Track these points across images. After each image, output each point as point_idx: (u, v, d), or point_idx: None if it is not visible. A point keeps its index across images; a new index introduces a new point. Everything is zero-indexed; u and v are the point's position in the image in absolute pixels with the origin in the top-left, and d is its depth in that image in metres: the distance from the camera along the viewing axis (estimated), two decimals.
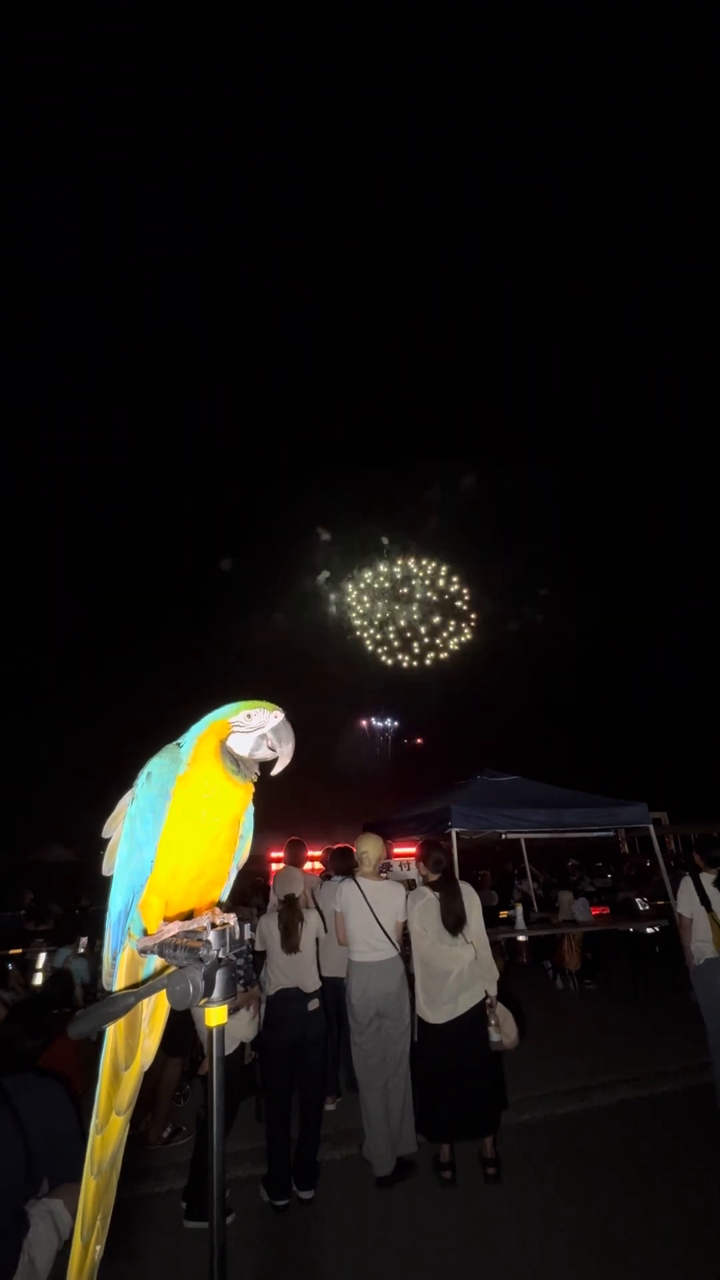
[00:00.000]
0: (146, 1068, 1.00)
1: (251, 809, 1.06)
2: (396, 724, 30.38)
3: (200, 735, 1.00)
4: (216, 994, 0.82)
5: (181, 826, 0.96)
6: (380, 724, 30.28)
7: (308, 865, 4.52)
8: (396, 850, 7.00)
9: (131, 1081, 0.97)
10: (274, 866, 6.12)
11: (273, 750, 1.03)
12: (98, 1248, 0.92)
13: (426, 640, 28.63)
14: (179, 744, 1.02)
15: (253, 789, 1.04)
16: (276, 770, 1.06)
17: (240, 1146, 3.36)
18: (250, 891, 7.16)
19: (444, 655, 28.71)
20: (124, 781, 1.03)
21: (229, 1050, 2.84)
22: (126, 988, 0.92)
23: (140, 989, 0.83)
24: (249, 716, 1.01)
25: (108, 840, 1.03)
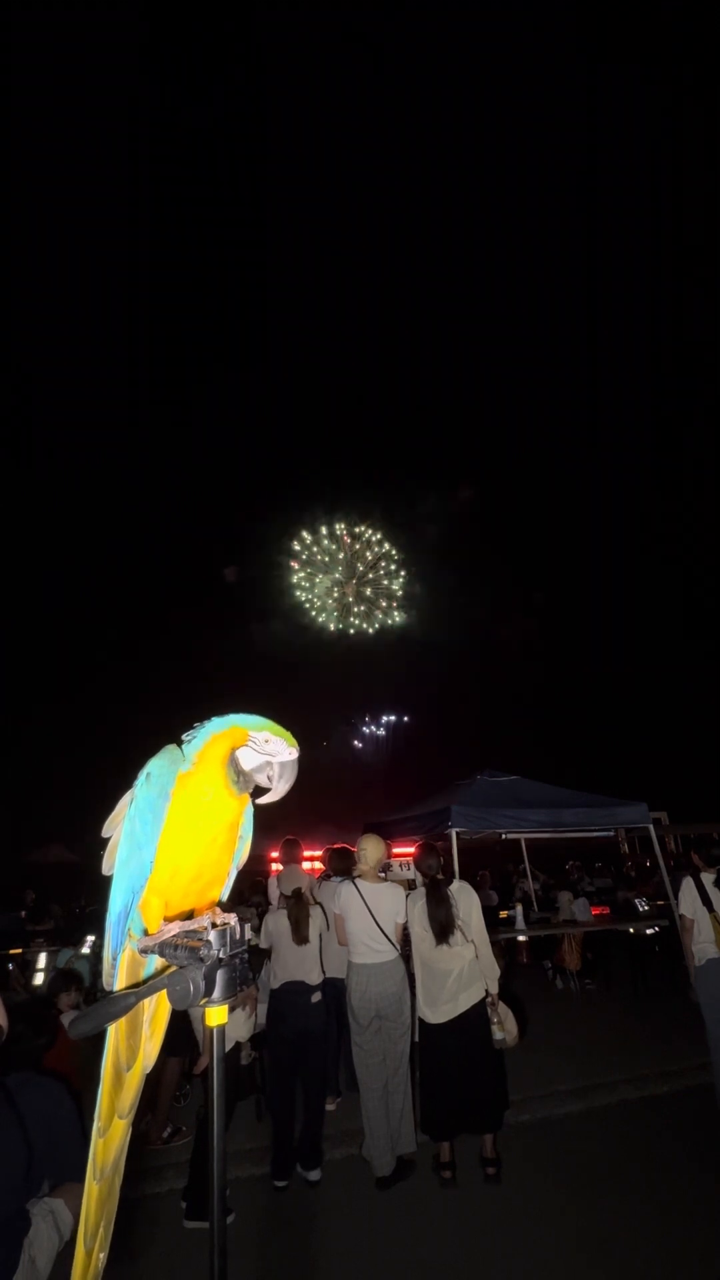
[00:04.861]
0: (149, 1070, 1.00)
1: (251, 809, 1.06)
2: (390, 720, 30.35)
3: (215, 735, 0.99)
4: (217, 994, 0.82)
5: (181, 827, 0.96)
6: (372, 725, 30.25)
7: (306, 865, 4.55)
8: (396, 850, 6.99)
9: (134, 1084, 0.97)
10: (274, 867, 6.13)
11: (270, 781, 1.02)
12: (101, 1254, 0.90)
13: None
14: (182, 742, 1.01)
15: (248, 799, 1.04)
16: (263, 800, 1.05)
17: (240, 1146, 3.36)
18: (249, 891, 7.17)
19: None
20: (124, 781, 1.03)
21: (226, 1050, 2.86)
22: (127, 988, 0.92)
23: (141, 989, 0.82)
24: (267, 740, 1.00)
25: (108, 840, 1.03)
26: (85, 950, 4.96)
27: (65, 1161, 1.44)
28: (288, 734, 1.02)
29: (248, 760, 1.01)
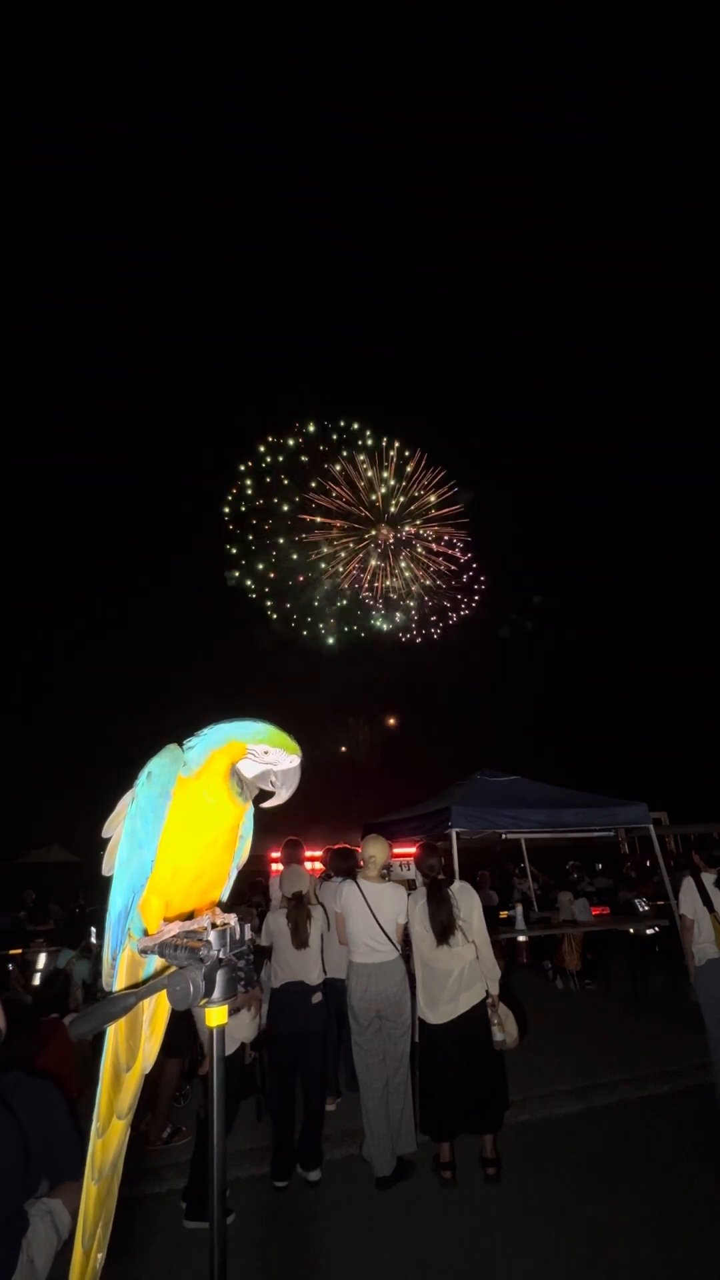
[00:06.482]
0: (148, 1070, 1.00)
1: (252, 810, 1.06)
2: (386, 720, 30.16)
3: (215, 751, 0.98)
4: (217, 994, 0.82)
5: (182, 826, 0.96)
6: (369, 724, 30.03)
7: (307, 865, 4.54)
8: (396, 851, 7.00)
9: (133, 1084, 0.97)
10: (274, 867, 6.14)
11: (274, 786, 1.03)
12: (99, 1255, 0.90)
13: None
14: (183, 745, 1.01)
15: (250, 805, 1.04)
16: (267, 804, 1.06)
17: (240, 1146, 3.36)
18: (250, 891, 7.17)
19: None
20: (124, 781, 1.03)
21: (229, 1051, 2.87)
22: (127, 988, 0.91)
23: (141, 989, 0.82)
24: (266, 752, 1.00)
25: (108, 840, 1.03)
26: (88, 945, 4.96)
27: (62, 1161, 1.44)
28: (287, 740, 1.01)
29: (249, 770, 1.01)
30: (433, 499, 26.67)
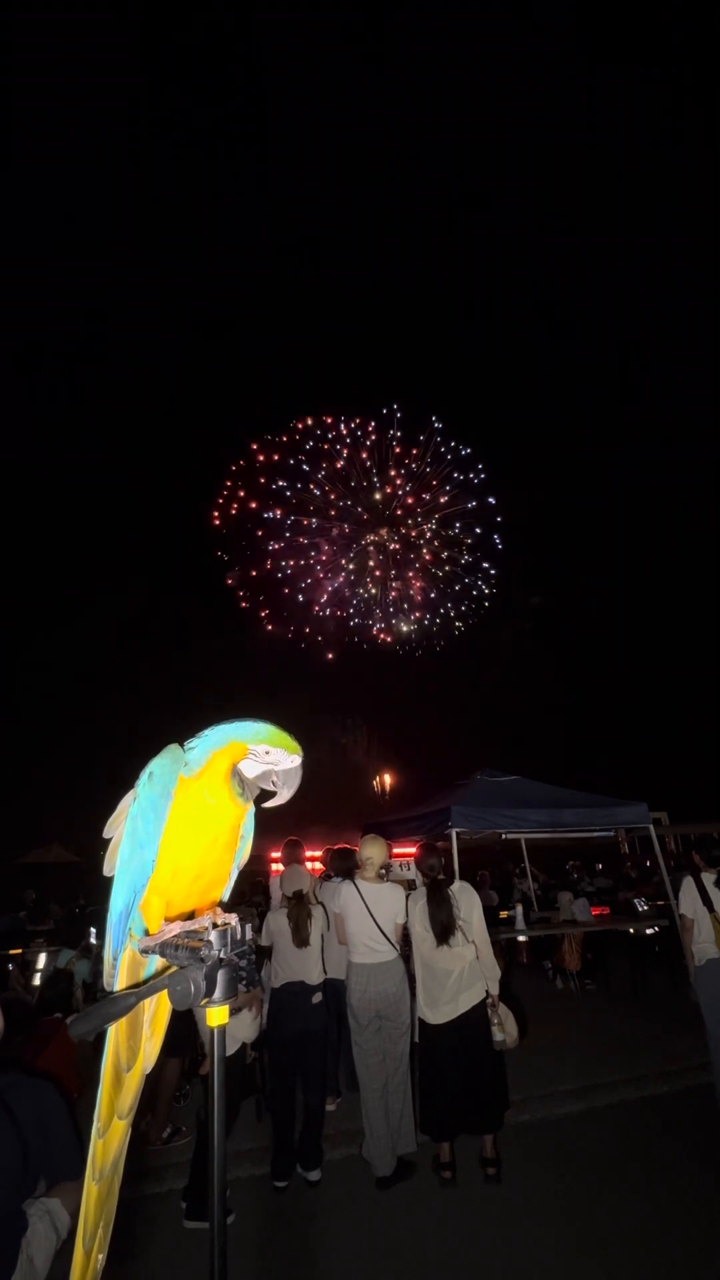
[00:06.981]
0: (148, 1071, 1.00)
1: (252, 810, 1.06)
2: (385, 720, 29.97)
3: (216, 752, 0.98)
4: (218, 994, 0.82)
5: (183, 826, 0.96)
6: (366, 724, 29.83)
7: (307, 865, 4.55)
8: (396, 851, 7.01)
9: (133, 1084, 0.97)
10: (274, 867, 6.14)
11: (275, 785, 1.03)
12: (100, 1255, 0.90)
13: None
14: (185, 745, 1.01)
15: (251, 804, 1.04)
16: (269, 804, 1.06)
17: (240, 1146, 3.36)
18: (250, 891, 7.17)
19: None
20: (124, 781, 1.03)
21: (230, 1051, 2.87)
22: (128, 988, 0.91)
23: (141, 989, 0.82)
24: (267, 752, 1.00)
25: (108, 840, 1.03)
26: (88, 945, 4.96)
27: (60, 1161, 1.44)
28: (288, 740, 1.01)
29: (250, 770, 1.01)
30: (442, 499, 26.37)
